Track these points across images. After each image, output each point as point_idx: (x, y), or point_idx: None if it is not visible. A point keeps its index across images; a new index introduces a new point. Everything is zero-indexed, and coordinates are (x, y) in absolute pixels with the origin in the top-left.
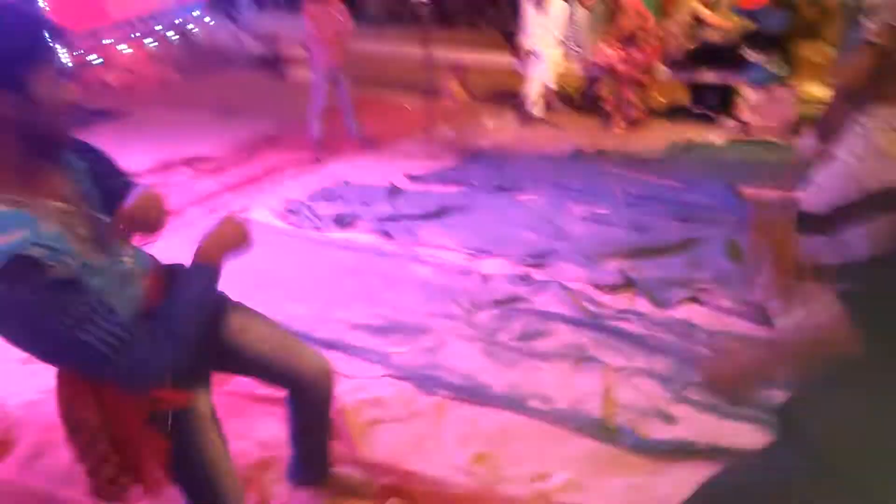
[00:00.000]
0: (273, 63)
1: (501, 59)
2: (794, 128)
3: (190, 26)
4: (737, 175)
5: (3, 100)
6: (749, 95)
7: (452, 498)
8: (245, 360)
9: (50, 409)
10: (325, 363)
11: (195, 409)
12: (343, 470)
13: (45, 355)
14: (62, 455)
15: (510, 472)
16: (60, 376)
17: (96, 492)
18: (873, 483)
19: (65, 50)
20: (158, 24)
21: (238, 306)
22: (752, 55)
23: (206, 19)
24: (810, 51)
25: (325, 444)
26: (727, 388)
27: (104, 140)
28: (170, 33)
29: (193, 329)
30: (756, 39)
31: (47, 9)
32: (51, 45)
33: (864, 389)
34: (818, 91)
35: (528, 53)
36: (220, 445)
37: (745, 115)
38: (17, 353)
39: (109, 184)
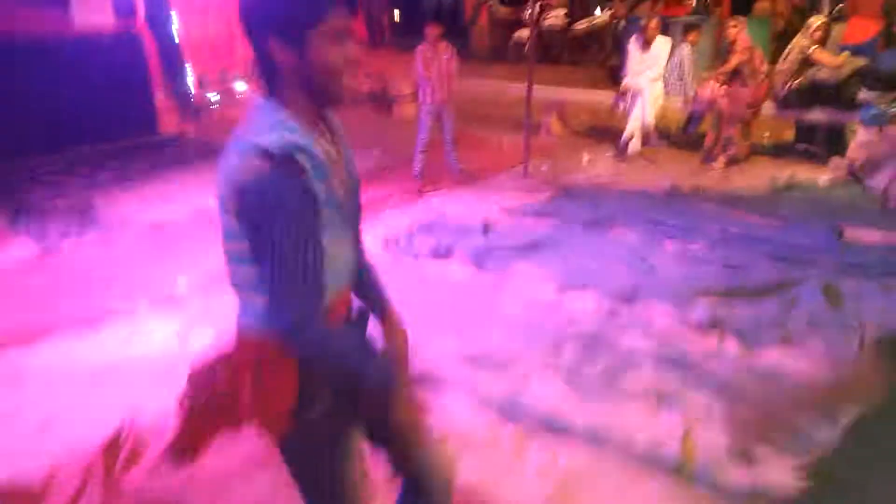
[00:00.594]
0: (382, 99)
1: (602, 95)
2: None
3: None
4: (840, 216)
5: (284, 52)
6: (861, 135)
7: None
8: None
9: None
10: (452, 475)
11: (347, 436)
12: None
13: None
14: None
15: None
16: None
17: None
18: None
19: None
20: None
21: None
22: (865, 94)
23: None
24: None
25: None
26: None
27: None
28: None
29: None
30: (871, 78)
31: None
32: (329, 11)
33: None
34: None
35: (628, 89)
36: (355, 479)
37: (855, 154)
38: (149, 369)
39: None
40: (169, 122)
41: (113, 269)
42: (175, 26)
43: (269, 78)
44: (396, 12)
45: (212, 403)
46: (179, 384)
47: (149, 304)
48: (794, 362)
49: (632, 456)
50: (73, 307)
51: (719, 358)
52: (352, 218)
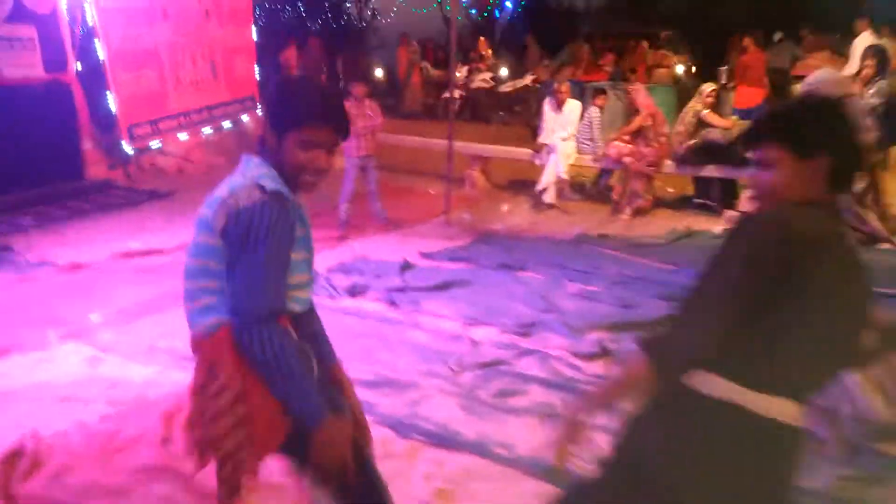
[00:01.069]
0: None
1: (525, 152)
2: None
3: (243, 116)
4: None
5: (270, 135)
6: (749, 189)
7: None
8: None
9: (76, 439)
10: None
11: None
12: None
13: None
14: (84, 475)
15: None
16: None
17: (221, 476)
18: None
19: (127, 138)
20: (214, 115)
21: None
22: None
23: (257, 110)
24: None
25: None
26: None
27: (154, 216)
28: (225, 123)
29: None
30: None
31: (117, 103)
32: (308, 124)
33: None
34: None
35: (543, 146)
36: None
37: (746, 207)
38: (53, 393)
39: None
40: (96, 170)
41: (26, 306)
42: (107, 79)
43: (262, 145)
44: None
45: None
46: (87, 405)
47: (58, 336)
48: None
49: (512, 462)
50: None
51: (602, 382)
52: (310, 266)
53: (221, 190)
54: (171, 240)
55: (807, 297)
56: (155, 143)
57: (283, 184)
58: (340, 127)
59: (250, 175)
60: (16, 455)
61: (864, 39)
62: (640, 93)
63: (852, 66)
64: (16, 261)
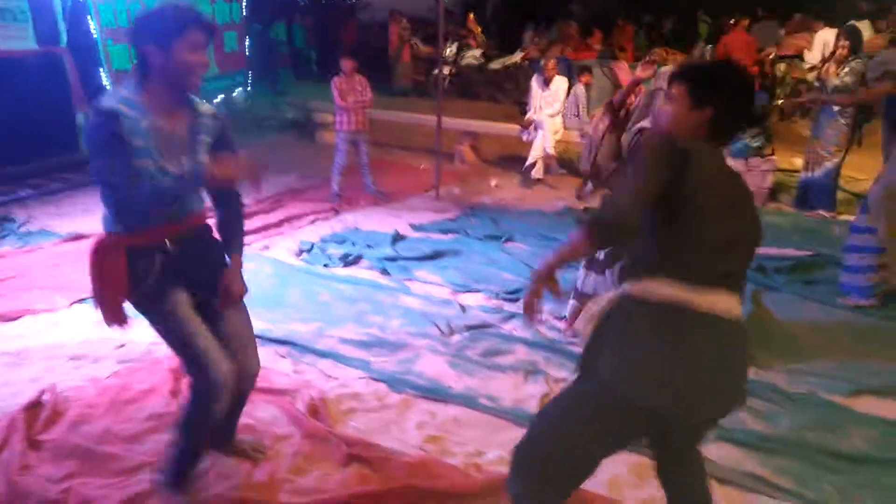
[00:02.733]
0: (304, 126)
1: (514, 128)
2: (770, 195)
3: (234, 93)
4: None
5: (157, 54)
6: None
7: (403, 464)
8: (214, 324)
9: (89, 392)
10: (256, 370)
11: (176, 298)
12: (239, 437)
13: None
14: (100, 424)
15: (455, 449)
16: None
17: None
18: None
19: None
20: (205, 89)
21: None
22: None
23: (248, 88)
24: (786, 128)
25: (233, 421)
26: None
27: None
28: (216, 99)
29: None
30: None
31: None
32: (189, 28)
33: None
34: (795, 162)
35: (531, 122)
36: (195, 327)
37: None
38: (65, 352)
39: (220, 145)
40: None
41: (31, 274)
42: (99, 51)
43: (142, 74)
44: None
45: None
46: (98, 363)
47: (66, 301)
48: None
49: (498, 413)
50: None
51: (580, 341)
52: (189, 178)
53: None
54: None
55: (703, 192)
56: None
57: (138, 106)
58: (209, 27)
59: (107, 94)
60: (36, 406)
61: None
62: (624, 71)
63: (815, 55)
64: (18, 231)
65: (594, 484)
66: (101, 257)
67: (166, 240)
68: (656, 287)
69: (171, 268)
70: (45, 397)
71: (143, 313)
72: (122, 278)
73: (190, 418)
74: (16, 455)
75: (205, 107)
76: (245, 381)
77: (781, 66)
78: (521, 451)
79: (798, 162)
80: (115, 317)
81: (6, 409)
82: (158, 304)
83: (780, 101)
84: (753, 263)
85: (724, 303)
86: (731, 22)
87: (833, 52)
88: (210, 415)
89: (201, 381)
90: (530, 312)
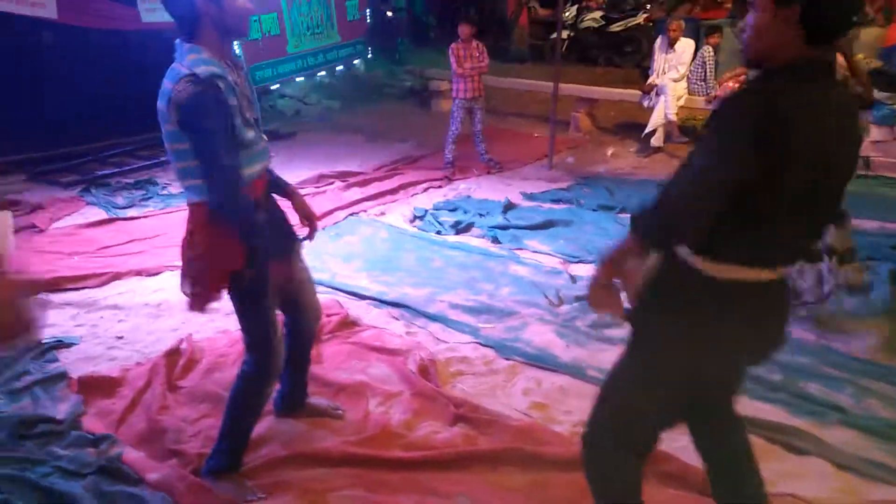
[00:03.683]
0: (421, 94)
1: (631, 92)
2: None
3: (355, 61)
4: (853, 208)
5: (210, 6)
6: (873, 132)
7: (509, 428)
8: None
9: (222, 342)
10: (320, 312)
11: (264, 274)
12: (313, 400)
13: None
14: (230, 372)
15: (560, 417)
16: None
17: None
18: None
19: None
20: (328, 58)
21: (297, 238)
22: (878, 94)
23: (369, 55)
24: None
25: (303, 378)
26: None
27: (276, 155)
28: (339, 67)
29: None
30: (884, 79)
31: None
32: None
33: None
34: None
35: (653, 87)
36: (273, 306)
37: (869, 152)
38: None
39: None
40: None
41: (172, 233)
42: None
43: (191, 29)
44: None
45: (195, 263)
46: (228, 317)
47: None
48: None
49: None
50: (138, 260)
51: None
52: (256, 125)
53: (166, 82)
54: (292, 177)
55: (786, 169)
56: (274, 86)
57: (216, 62)
58: None
59: (186, 63)
60: (175, 354)
61: None
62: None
63: None
64: (160, 193)
65: None
66: (210, 227)
67: (257, 199)
68: (722, 269)
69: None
70: (183, 346)
71: (230, 286)
72: (238, 248)
73: (245, 401)
74: (157, 397)
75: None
76: (312, 325)
77: None
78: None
79: None
80: (214, 296)
81: (149, 355)
82: (251, 278)
83: None
84: (894, 241)
85: (781, 271)
86: None
87: None
88: (263, 395)
89: (263, 365)
90: (598, 308)
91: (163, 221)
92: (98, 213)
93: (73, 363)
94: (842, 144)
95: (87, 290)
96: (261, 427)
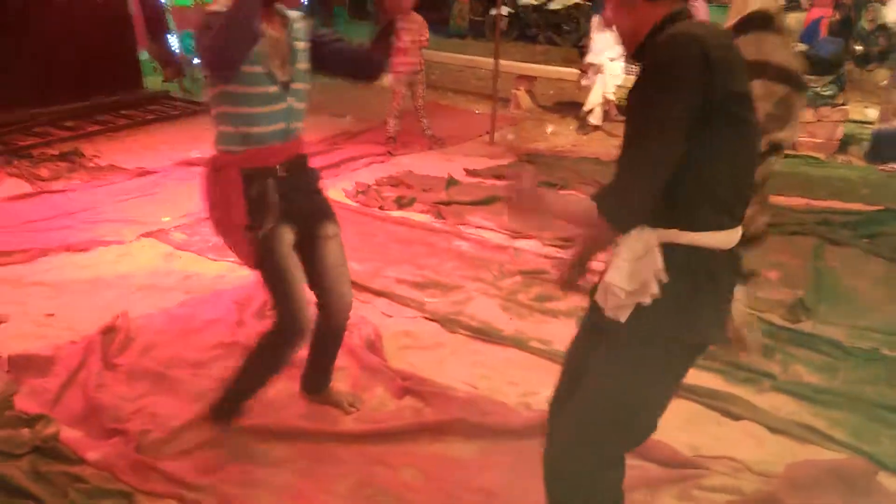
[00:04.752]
0: None
1: (570, 71)
2: (840, 147)
3: None
4: (777, 185)
5: None
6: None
7: (453, 399)
8: (312, 254)
9: (159, 320)
10: (351, 301)
11: (282, 233)
12: (335, 388)
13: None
14: (169, 350)
15: (505, 388)
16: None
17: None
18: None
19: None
20: None
21: (332, 223)
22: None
23: None
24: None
25: (330, 363)
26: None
27: (210, 126)
28: None
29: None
30: (810, 63)
31: (171, 13)
32: None
33: None
34: (868, 113)
35: (590, 66)
36: (292, 269)
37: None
38: (135, 282)
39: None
40: (153, 81)
41: (101, 207)
42: None
43: None
44: None
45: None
46: (166, 293)
47: (134, 235)
48: None
49: (549, 355)
50: (66, 235)
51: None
52: (285, 87)
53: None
54: None
55: (723, 115)
56: None
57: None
58: None
59: None
60: (111, 331)
61: None
62: (700, 10)
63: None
64: (87, 166)
65: None
66: (218, 177)
67: (278, 165)
68: (689, 236)
69: (283, 197)
70: (119, 322)
71: (239, 244)
72: (239, 200)
73: (262, 357)
74: (93, 374)
75: (292, 13)
76: (339, 315)
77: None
78: (573, 436)
79: (872, 113)
80: (245, 248)
81: (83, 332)
82: (262, 240)
83: (856, 48)
84: (818, 217)
85: (735, 234)
86: None
87: None
88: (283, 359)
89: (287, 324)
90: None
91: (91, 195)
92: (21, 186)
93: (2, 342)
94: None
95: (12, 267)
96: None
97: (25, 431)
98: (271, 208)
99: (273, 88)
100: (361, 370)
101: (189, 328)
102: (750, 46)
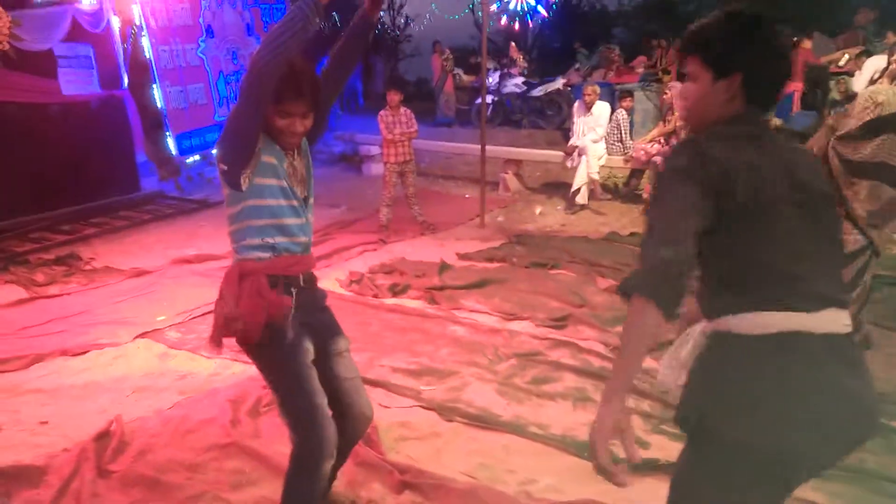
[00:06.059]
0: (352, 159)
1: (554, 153)
2: None
3: None
4: None
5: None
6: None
7: (454, 491)
8: (328, 372)
9: (153, 423)
10: (371, 413)
11: (301, 346)
12: (335, 489)
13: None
14: (163, 454)
15: (505, 476)
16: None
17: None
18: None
19: (174, 149)
20: None
21: (343, 337)
22: None
23: None
24: None
25: (335, 471)
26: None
27: (205, 223)
28: None
29: None
30: (782, 136)
31: (167, 117)
32: (286, 100)
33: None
34: None
35: (574, 148)
36: (315, 382)
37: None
38: (130, 384)
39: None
40: (149, 182)
41: (96, 309)
42: (157, 93)
43: None
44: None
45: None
46: (160, 394)
47: (130, 336)
48: None
49: (547, 440)
50: (61, 339)
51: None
52: (302, 204)
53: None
54: (223, 246)
55: (744, 208)
56: (198, 157)
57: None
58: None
59: None
60: (104, 437)
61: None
62: (673, 93)
63: (864, 78)
64: (83, 269)
65: None
66: (244, 283)
67: (300, 275)
68: (751, 320)
69: (302, 308)
70: (113, 428)
71: (262, 357)
72: (263, 303)
73: (297, 486)
74: (86, 483)
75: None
76: (360, 425)
77: (832, 83)
78: None
79: None
80: (235, 335)
81: (78, 439)
82: (287, 349)
83: (829, 120)
84: None
85: (828, 316)
86: (794, 40)
87: (886, 69)
88: (319, 478)
89: (312, 440)
90: (606, 475)
91: (87, 297)
92: (17, 292)
93: None
94: (795, 171)
95: (7, 375)
96: None
97: None
98: (290, 317)
99: (295, 203)
100: (358, 466)
101: (183, 429)
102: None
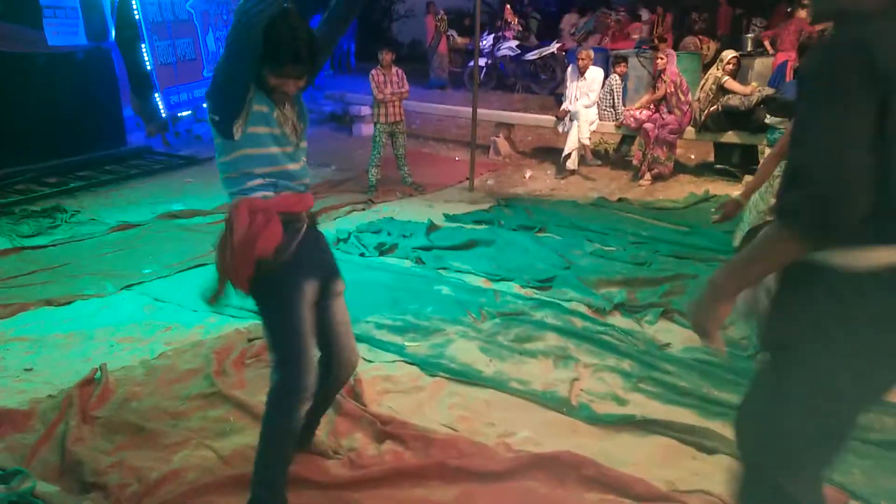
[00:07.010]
0: (342, 119)
1: (546, 118)
2: None
3: None
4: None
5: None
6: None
7: (434, 441)
8: (323, 312)
9: (138, 371)
10: (357, 360)
11: (302, 288)
12: (319, 438)
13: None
14: (147, 401)
15: (484, 429)
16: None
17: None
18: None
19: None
20: None
21: (341, 279)
22: (771, 119)
23: None
24: None
25: (319, 416)
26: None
27: (193, 179)
28: None
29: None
30: (776, 105)
31: (154, 71)
32: (286, 68)
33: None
34: None
35: (566, 113)
36: (308, 327)
37: None
38: (116, 334)
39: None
40: (136, 137)
41: (81, 261)
42: (145, 47)
43: None
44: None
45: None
46: (145, 345)
47: (116, 287)
48: (673, 334)
49: (527, 395)
50: (46, 290)
51: (612, 330)
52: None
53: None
54: (210, 202)
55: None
56: (187, 111)
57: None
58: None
59: None
60: (90, 384)
61: None
62: (666, 60)
63: None
64: (69, 220)
65: (622, 465)
66: (255, 218)
67: (305, 212)
68: (872, 255)
69: (307, 246)
70: (98, 375)
71: (261, 294)
72: (275, 240)
73: (275, 423)
74: (71, 428)
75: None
76: (345, 370)
77: None
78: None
79: None
80: (237, 284)
81: (62, 386)
82: (286, 287)
83: None
84: None
85: None
86: (788, 10)
87: None
88: (296, 417)
89: (293, 382)
90: (711, 342)
91: (71, 249)
92: (1, 243)
93: None
94: None
95: None
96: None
97: (1, 487)
98: (294, 251)
99: (289, 148)
100: (341, 417)
101: (168, 379)
102: None
